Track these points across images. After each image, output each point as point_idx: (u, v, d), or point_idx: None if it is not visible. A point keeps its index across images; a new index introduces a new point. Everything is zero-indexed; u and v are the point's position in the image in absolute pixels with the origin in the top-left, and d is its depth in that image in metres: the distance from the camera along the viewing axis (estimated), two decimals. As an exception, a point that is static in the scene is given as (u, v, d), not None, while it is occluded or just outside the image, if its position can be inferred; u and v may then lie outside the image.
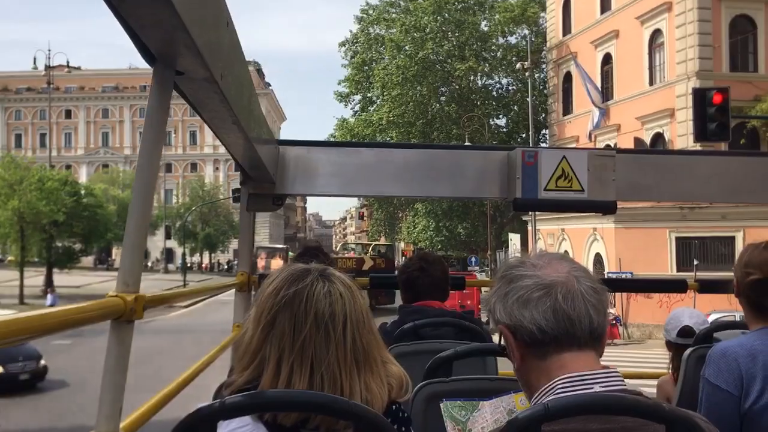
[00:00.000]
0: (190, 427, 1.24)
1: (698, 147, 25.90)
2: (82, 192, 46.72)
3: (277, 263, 39.30)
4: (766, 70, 26.86)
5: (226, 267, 77.88)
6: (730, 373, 2.11)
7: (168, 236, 68.27)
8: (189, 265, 69.89)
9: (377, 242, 45.20)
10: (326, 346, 1.37)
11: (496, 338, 1.48)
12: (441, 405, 1.83)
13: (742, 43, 27.27)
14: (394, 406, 1.46)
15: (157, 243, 71.77)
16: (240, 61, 2.03)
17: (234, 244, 76.38)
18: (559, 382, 1.26)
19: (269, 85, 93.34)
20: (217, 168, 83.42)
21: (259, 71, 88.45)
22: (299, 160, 3.37)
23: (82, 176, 77.39)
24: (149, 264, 74.90)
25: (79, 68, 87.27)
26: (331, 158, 3.43)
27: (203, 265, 79.03)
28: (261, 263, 40.83)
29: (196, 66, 1.57)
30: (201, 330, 24.13)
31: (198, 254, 76.80)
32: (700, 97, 12.65)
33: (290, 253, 42.24)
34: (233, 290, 3.54)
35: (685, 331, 3.38)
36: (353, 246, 52.74)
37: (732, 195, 3.81)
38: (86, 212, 43.87)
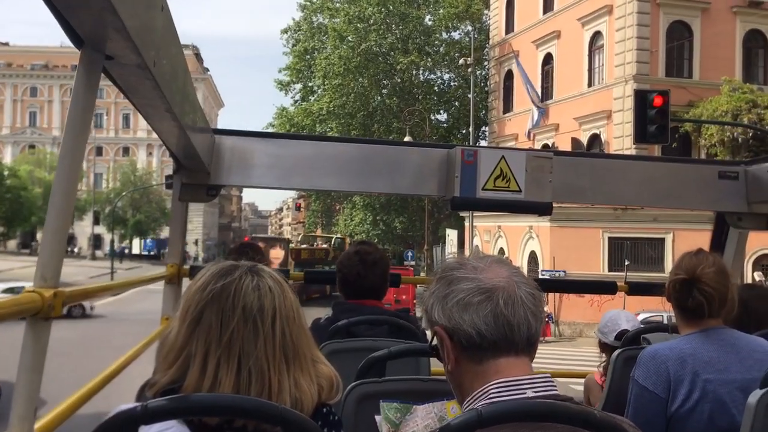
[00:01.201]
0: (110, 431, 1.19)
1: (633, 149, 26.55)
2: (6, 173, 44.70)
3: (276, 254, 38.98)
4: (701, 76, 27.54)
5: (156, 254, 75.90)
6: (658, 376, 2.18)
7: (96, 222, 66.21)
8: (125, 251, 67.92)
9: (336, 235, 45.09)
10: (254, 340, 1.32)
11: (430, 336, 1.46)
12: (381, 404, 1.82)
13: (678, 49, 27.90)
14: (324, 409, 1.42)
15: (84, 229, 69.52)
16: (175, 47, 1.95)
17: (166, 231, 74.63)
18: (491, 388, 1.25)
19: (207, 70, 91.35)
20: (150, 153, 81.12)
21: (198, 55, 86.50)
22: (235, 151, 3.30)
23: (7, 157, 74.27)
24: (75, 250, 72.47)
25: (6, 44, 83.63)
26: (268, 149, 3.36)
27: (133, 253, 76.89)
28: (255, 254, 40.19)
29: (126, 51, 1.51)
30: (129, 320, 23.42)
31: (128, 241, 74.68)
32: (641, 98, 12.70)
33: (291, 245, 41.61)
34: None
35: (623, 335, 3.40)
36: (311, 237, 52.94)
37: (663, 200, 3.87)
38: (9, 194, 42.04)
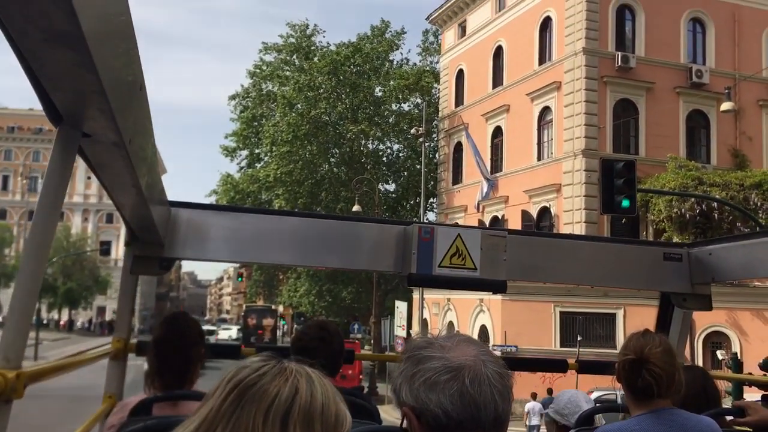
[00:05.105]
0: None
1: (583, 222, 26.52)
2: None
3: (268, 322, 43.32)
4: (646, 153, 27.97)
5: (87, 325, 72.28)
6: None
7: (24, 289, 62.70)
8: (45, 322, 64.56)
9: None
10: None
11: (383, 415, 1.41)
12: None
13: (624, 126, 28.39)
14: None
15: (10, 295, 65.89)
16: (148, 124, 1.94)
17: (99, 300, 71.55)
18: None
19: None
20: (86, 219, 78.54)
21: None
22: (191, 223, 3.26)
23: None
24: (-1, 319, 68.49)
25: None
26: (224, 222, 3.34)
27: (62, 323, 73.13)
28: (252, 322, 43.98)
29: (106, 130, 1.53)
30: (47, 396, 21.72)
31: (56, 310, 71.01)
32: (607, 168, 12.32)
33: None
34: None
35: None
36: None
37: (611, 279, 4.02)
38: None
